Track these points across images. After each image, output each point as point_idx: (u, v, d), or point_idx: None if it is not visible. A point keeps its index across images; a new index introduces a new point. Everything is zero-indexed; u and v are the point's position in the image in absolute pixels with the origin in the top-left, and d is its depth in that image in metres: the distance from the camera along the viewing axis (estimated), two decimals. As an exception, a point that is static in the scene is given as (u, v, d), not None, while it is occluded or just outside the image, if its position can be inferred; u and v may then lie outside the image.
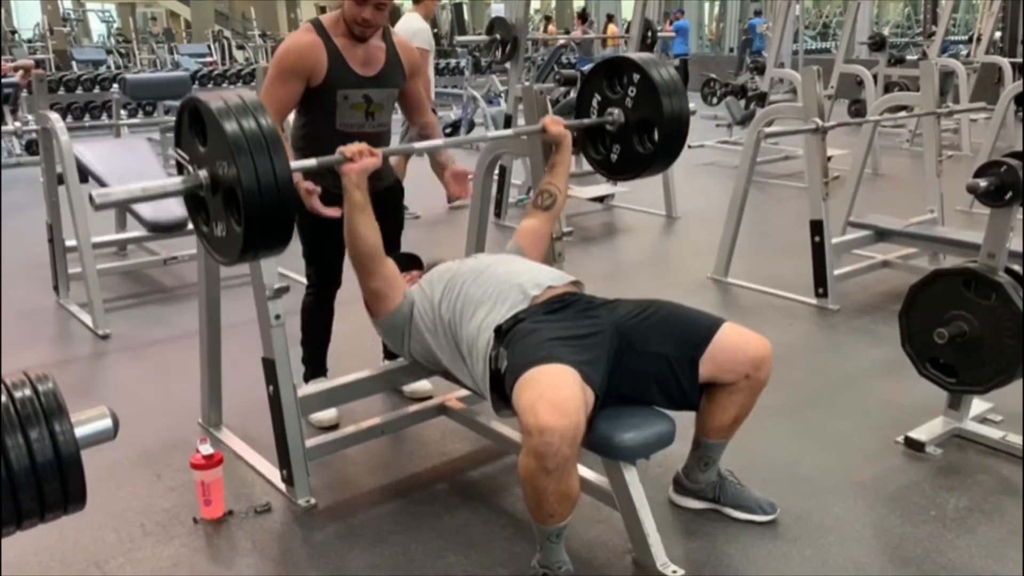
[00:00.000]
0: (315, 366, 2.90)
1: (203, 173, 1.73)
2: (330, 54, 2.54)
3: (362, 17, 2.50)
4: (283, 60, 2.54)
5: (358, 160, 2.11)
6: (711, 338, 2.03)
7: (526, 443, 1.75)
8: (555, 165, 2.52)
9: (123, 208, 4.64)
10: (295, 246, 4.52)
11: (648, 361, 2.04)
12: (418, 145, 2.67)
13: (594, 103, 2.59)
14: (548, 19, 18.60)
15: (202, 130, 1.72)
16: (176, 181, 1.76)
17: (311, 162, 2.08)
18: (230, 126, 1.64)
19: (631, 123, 2.52)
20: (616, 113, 2.54)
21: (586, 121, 2.59)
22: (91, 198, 1.63)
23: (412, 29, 5.84)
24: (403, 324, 2.29)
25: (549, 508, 1.83)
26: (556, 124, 2.48)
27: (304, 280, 2.89)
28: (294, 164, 1.85)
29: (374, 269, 2.23)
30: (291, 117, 2.77)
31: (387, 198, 2.82)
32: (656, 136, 2.49)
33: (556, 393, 1.76)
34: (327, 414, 2.79)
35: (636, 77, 2.47)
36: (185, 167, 1.78)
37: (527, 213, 2.56)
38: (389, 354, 2.89)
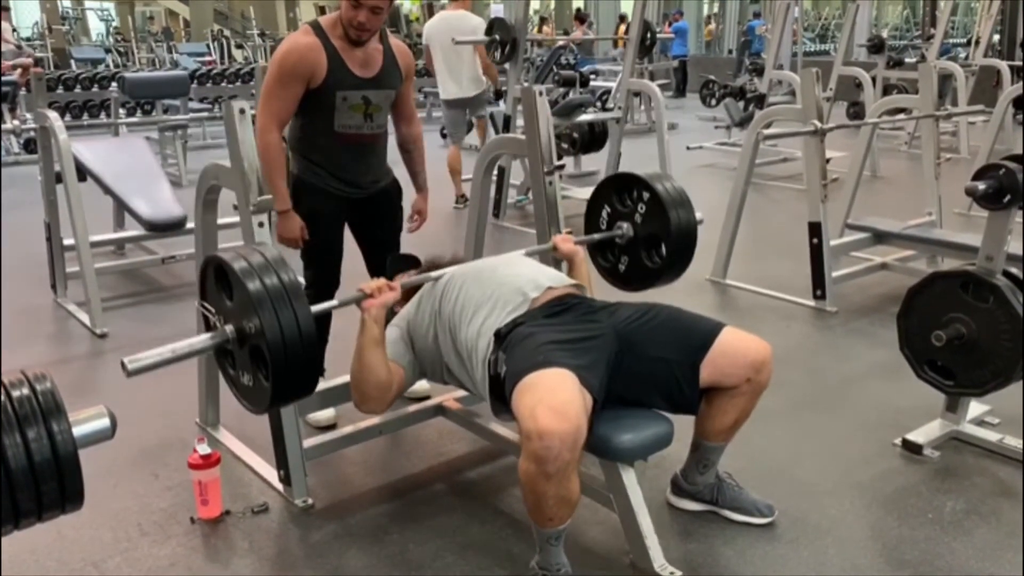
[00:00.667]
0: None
1: (229, 328, 1.76)
2: (330, 55, 2.54)
3: (358, 20, 2.51)
4: (283, 62, 2.53)
5: (378, 296, 2.04)
6: (712, 343, 2.03)
7: (526, 447, 1.75)
8: (574, 276, 2.40)
9: (121, 206, 4.64)
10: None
11: (648, 365, 2.03)
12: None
13: (604, 214, 2.59)
14: (543, 20, 18.58)
15: (227, 286, 1.75)
16: (204, 338, 1.78)
17: (333, 303, 2.06)
18: (254, 286, 1.67)
19: (640, 237, 2.53)
20: (625, 227, 2.54)
21: (596, 237, 2.58)
22: (123, 365, 1.63)
23: (472, 25, 5.87)
24: (414, 377, 2.25)
25: (549, 512, 1.83)
26: (566, 242, 2.45)
27: (301, 280, 2.89)
28: (315, 308, 1.85)
29: (381, 400, 2.13)
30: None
31: (385, 198, 2.82)
32: (663, 250, 2.49)
33: (555, 397, 1.76)
34: (324, 414, 2.78)
35: (645, 195, 2.47)
36: (212, 321, 1.81)
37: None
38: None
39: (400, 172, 2.91)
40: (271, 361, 1.66)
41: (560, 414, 1.72)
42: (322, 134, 2.63)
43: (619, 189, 2.56)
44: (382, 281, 2.07)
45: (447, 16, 6.00)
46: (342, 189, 2.70)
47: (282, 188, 2.59)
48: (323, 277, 2.76)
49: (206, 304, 1.85)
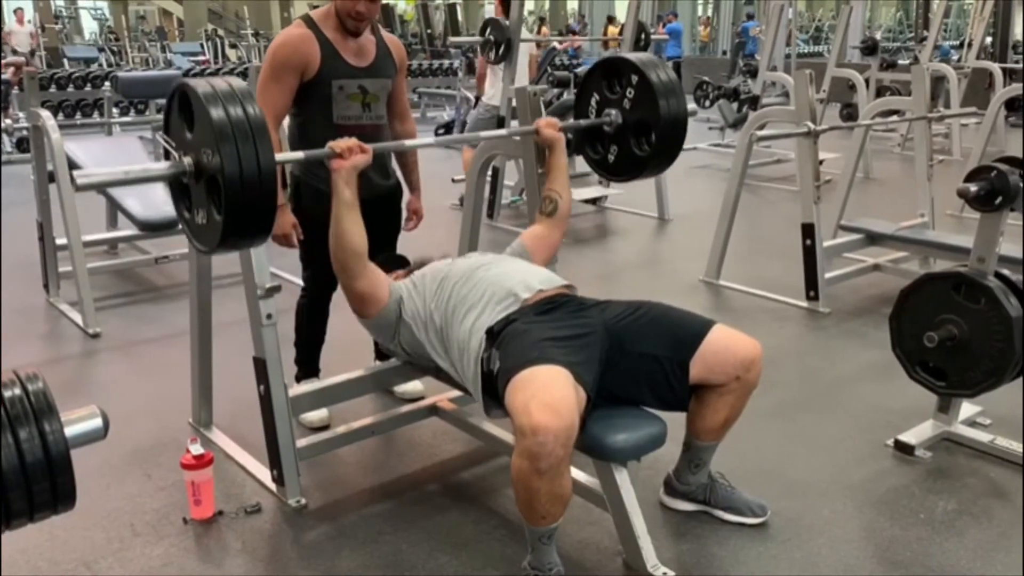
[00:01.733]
0: (307, 367, 2.89)
1: (188, 160, 1.72)
2: (322, 45, 2.55)
3: (356, 11, 2.52)
4: (276, 55, 2.54)
5: (348, 156, 2.09)
6: (702, 340, 2.03)
7: (519, 444, 1.75)
8: (551, 169, 2.50)
9: (114, 205, 4.63)
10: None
11: (639, 362, 2.04)
12: (408, 143, 2.67)
13: (592, 103, 2.57)
14: (542, 20, 18.62)
15: (189, 116, 1.71)
16: (160, 166, 1.75)
17: (299, 155, 2.08)
18: (216, 112, 1.63)
19: (629, 124, 2.51)
20: (614, 114, 2.52)
21: (583, 122, 2.58)
22: (72, 178, 1.61)
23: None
24: (392, 321, 2.28)
25: (541, 509, 1.83)
26: (550, 126, 2.47)
27: (298, 281, 2.89)
28: (280, 156, 1.83)
29: (359, 271, 2.20)
30: (285, 122, 2.76)
31: (388, 199, 2.83)
32: (653, 138, 2.48)
33: (549, 393, 1.76)
34: (318, 414, 2.78)
35: (635, 79, 2.46)
36: (171, 153, 1.77)
37: (535, 219, 2.54)
38: (380, 354, 2.88)
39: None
40: (225, 192, 1.61)
41: (554, 410, 1.73)
42: (322, 129, 2.63)
43: (608, 75, 2.54)
44: (353, 141, 2.10)
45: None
46: None
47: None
48: (320, 279, 2.76)
49: (166, 137, 1.80)
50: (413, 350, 2.32)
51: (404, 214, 2.92)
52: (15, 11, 15.05)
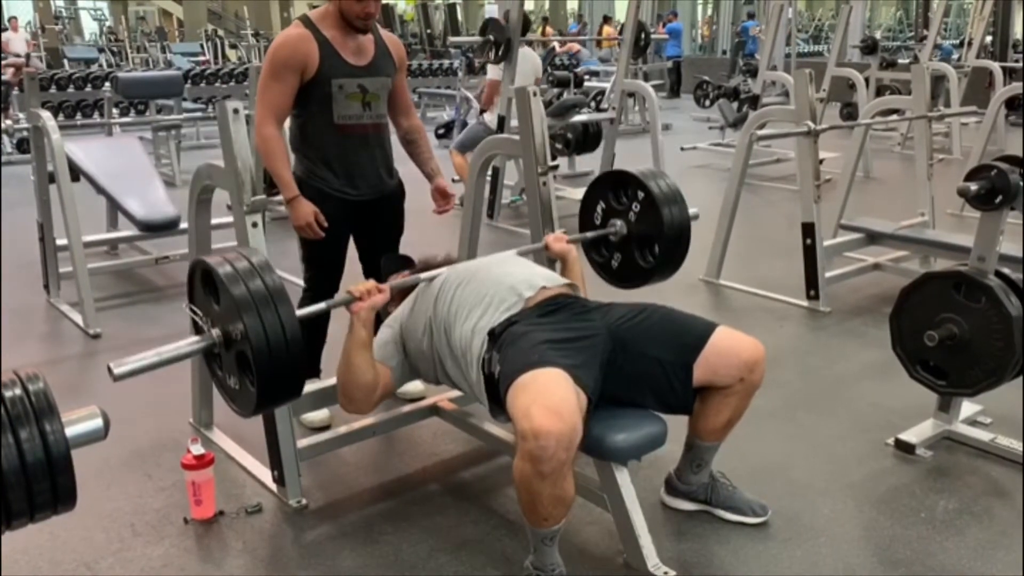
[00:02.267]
0: (308, 367, 2.88)
1: (216, 332, 1.76)
2: (321, 45, 2.56)
3: (365, 11, 2.54)
4: (275, 55, 2.55)
5: (366, 299, 2.04)
6: (705, 343, 2.03)
7: (521, 447, 1.75)
8: (567, 276, 2.40)
9: (115, 206, 4.63)
10: (287, 247, 4.51)
11: (642, 365, 2.04)
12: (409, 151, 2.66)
13: (598, 210, 2.58)
14: (545, 20, 18.62)
15: (213, 290, 1.76)
16: (192, 342, 1.79)
17: (320, 306, 2.05)
18: (237, 290, 1.67)
19: (633, 235, 2.52)
20: (619, 225, 2.54)
21: (589, 235, 2.57)
22: (109, 370, 1.63)
23: (533, 64, 6.09)
24: (403, 378, 2.27)
25: (543, 511, 1.83)
26: (559, 241, 2.45)
27: (299, 281, 2.89)
28: (301, 312, 1.86)
29: (368, 401, 2.15)
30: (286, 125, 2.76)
31: (390, 203, 2.83)
32: (657, 250, 2.48)
33: (550, 397, 1.76)
34: (319, 415, 2.78)
35: (639, 193, 2.47)
36: (200, 326, 1.82)
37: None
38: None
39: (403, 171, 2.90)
40: (255, 365, 1.67)
41: (555, 413, 1.72)
42: (323, 129, 2.64)
43: (614, 186, 2.56)
44: (371, 284, 2.07)
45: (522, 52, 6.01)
46: (347, 192, 2.69)
47: (287, 176, 2.58)
48: (322, 282, 2.76)
49: (194, 307, 1.85)
50: (426, 374, 2.29)
51: (429, 210, 2.89)
52: (10, 20, 15.07)
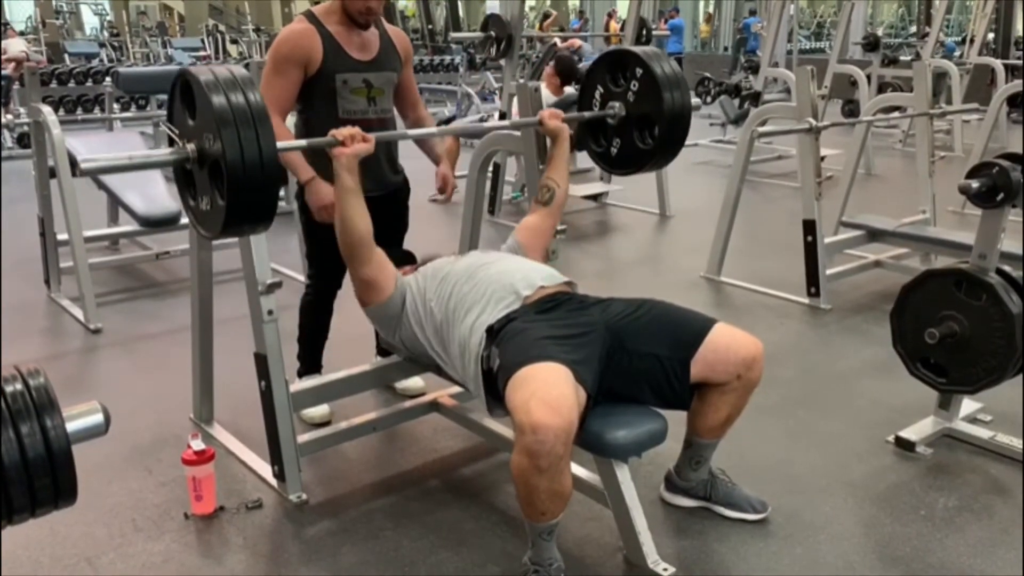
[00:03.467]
0: (310, 363, 2.89)
1: (191, 146, 1.74)
2: (325, 39, 2.55)
3: (367, 6, 2.53)
4: (278, 50, 2.55)
5: (349, 144, 2.09)
6: (703, 339, 2.03)
7: (519, 441, 1.75)
8: (553, 159, 2.50)
9: (115, 201, 4.63)
10: (289, 242, 4.51)
11: (640, 361, 2.04)
12: (412, 132, 2.66)
13: (596, 95, 2.57)
14: (547, 16, 18.57)
15: (191, 104, 1.73)
16: (164, 152, 1.77)
17: (300, 143, 2.09)
18: (217, 99, 1.65)
19: (632, 117, 2.50)
20: (617, 107, 2.52)
21: (586, 114, 2.58)
22: (75, 162, 1.63)
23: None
24: (395, 314, 2.29)
25: (541, 506, 1.83)
26: (554, 118, 2.46)
27: (299, 277, 2.89)
28: (282, 144, 1.85)
29: (366, 256, 2.21)
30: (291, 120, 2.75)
31: (397, 194, 2.82)
32: (656, 131, 2.48)
33: (549, 391, 1.76)
34: (319, 410, 2.78)
35: (639, 71, 2.45)
36: (174, 140, 1.78)
37: (530, 209, 2.54)
38: (382, 350, 2.88)
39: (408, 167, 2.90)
40: (227, 177, 1.63)
41: (554, 408, 1.73)
42: (328, 124, 2.60)
43: (612, 67, 2.54)
44: (355, 129, 2.11)
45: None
46: None
47: (300, 159, 2.57)
48: (325, 277, 2.76)
49: (170, 125, 1.82)
50: (412, 347, 2.32)
51: (431, 207, 2.89)
52: (6, 27, 15.06)
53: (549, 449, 1.71)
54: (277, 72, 2.55)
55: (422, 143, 2.90)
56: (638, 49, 2.49)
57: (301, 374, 2.86)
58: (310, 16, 2.60)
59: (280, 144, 1.78)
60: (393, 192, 2.79)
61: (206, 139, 1.69)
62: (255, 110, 1.68)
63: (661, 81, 2.41)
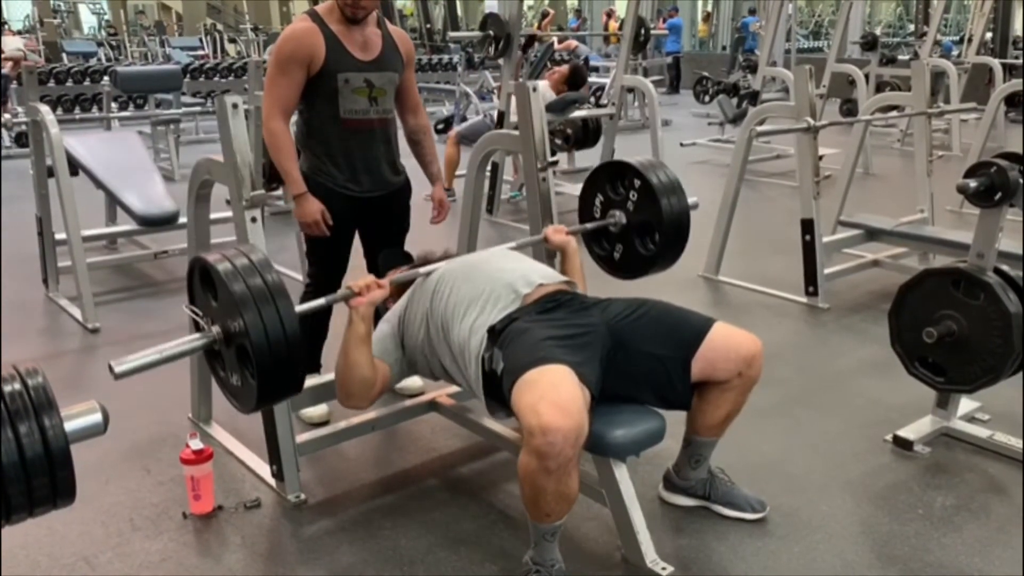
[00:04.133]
0: (309, 362, 2.88)
1: (216, 329, 1.77)
2: (327, 38, 2.55)
3: (355, 0, 2.52)
4: (281, 49, 2.55)
5: (365, 294, 2.04)
6: (703, 338, 2.03)
7: (528, 443, 1.74)
8: (567, 271, 2.42)
9: (114, 201, 4.63)
10: (286, 241, 4.51)
11: (640, 361, 2.04)
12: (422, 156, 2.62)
13: (597, 203, 2.59)
14: (544, 16, 18.57)
15: (212, 287, 1.76)
16: (192, 339, 1.79)
17: (319, 302, 2.05)
18: (237, 287, 1.68)
19: (633, 225, 2.52)
20: (618, 215, 2.53)
21: (589, 226, 2.58)
22: (110, 368, 1.64)
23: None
24: (401, 374, 2.27)
25: (547, 507, 1.83)
26: (558, 233, 2.44)
27: (297, 276, 2.88)
28: (300, 308, 1.86)
29: (366, 397, 2.15)
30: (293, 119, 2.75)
31: (397, 195, 2.82)
32: (657, 238, 2.48)
33: (558, 394, 1.76)
34: (318, 410, 2.78)
35: (636, 182, 2.47)
36: (200, 323, 1.82)
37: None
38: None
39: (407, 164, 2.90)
40: (255, 360, 1.67)
41: (563, 410, 1.73)
42: (329, 124, 2.63)
43: (612, 177, 2.56)
44: (371, 279, 2.07)
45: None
46: (352, 188, 2.68)
47: (294, 172, 2.57)
48: (325, 278, 2.75)
49: (193, 307, 1.86)
50: (423, 369, 2.29)
51: (430, 206, 2.90)
52: (3, 28, 15.09)
53: (559, 451, 1.71)
54: (281, 72, 2.54)
55: (419, 156, 2.90)
56: (635, 161, 2.49)
57: None
58: (313, 15, 2.59)
59: (299, 308, 1.80)
60: (394, 193, 2.79)
61: (230, 321, 1.73)
62: (273, 290, 1.70)
63: (658, 189, 2.43)
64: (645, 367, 2.04)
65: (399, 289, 2.31)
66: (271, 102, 2.56)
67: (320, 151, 2.67)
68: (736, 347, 2.04)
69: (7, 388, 1.08)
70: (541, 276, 2.18)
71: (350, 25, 2.58)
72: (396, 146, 2.81)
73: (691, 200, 2.51)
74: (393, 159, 2.78)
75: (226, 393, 1.88)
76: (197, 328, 1.84)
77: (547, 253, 2.53)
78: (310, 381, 2.57)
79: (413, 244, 2.80)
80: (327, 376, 2.59)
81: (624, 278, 2.63)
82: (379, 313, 2.53)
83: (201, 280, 1.82)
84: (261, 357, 1.67)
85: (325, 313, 2.83)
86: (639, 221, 2.51)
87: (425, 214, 2.97)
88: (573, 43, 12.39)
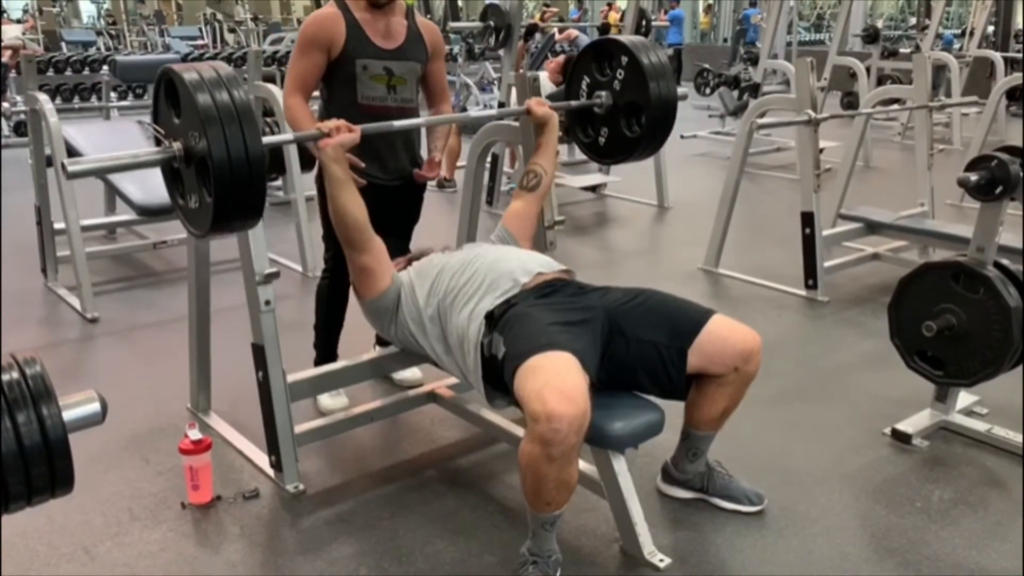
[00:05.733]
0: (326, 352, 2.88)
1: (177, 145, 1.74)
2: (349, 24, 2.57)
3: None
4: (305, 32, 2.60)
5: (334, 135, 2.12)
6: (700, 328, 2.03)
7: (532, 430, 1.74)
8: (540, 145, 2.51)
9: (112, 190, 4.62)
10: (286, 232, 4.51)
11: (637, 348, 2.04)
12: (402, 123, 2.62)
13: (583, 85, 2.58)
14: (547, 6, 18.51)
15: (176, 102, 1.73)
16: (150, 151, 1.77)
17: (288, 136, 2.11)
18: (202, 97, 1.65)
19: (619, 106, 2.51)
20: (604, 96, 2.53)
21: (573, 103, 2.58)
22: (63, 166, 1.63)
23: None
24: (390, 308, 2.28)
25: (547, 495, 1.84)
26: (541, 105, 2.47)
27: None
28: (268, 139, 1.85)
29: (363, 243, 2.23)
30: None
31: (412, 189, 2.81)
32: (643, 120, 2.48)
33: (562, 380, 1.76)
34: (337, 401, 2.79)
35: (624, 60, 2.46)
36: (160, 139, 1.78)
37: (514, 195, 2.55)
38: (381, 341, 2.88)
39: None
40: (214, 175, 1.64)
41: (568, 397, 1.73)
42: (347, 109, 2.60)
43: (599, 57, 2.55)
44: (341, 121, 2.14)
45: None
46: (370, 175, 2.66)
47: (308, 126, 2.48)
48: (341, 260, 2.73)
49: (155, 125, 1.83)
50: (404, 342, 2.32)
51: (435, 200, 2.89)
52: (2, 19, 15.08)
53: (563, 438, 1.71)
54: (302, 53, 2.59)
55: (431, 136, 2.88)
56: (623, 38, 2.49)
57: (318, 363, 2.84)
58: (339, 1, 2.62)
59: (266, 140, 1.78)
60: (411, 182, 2.78)
61: (192, 137, 1.69)
62: (240, 107, 1.67)
63: (647, 70, 2.42)
64: (641, 354, 2.04)
65: (407, 261, 2.41)
66: (291, 81, 2.61)
67: None
68: (734, 342, 2.04)
69: (5, 377, 1.07)
70: (540, 265, 2.19)
71: (374, 13, 2.60)
72: (416, 137, 2.80)
73: (680, 90, 2.51)
74: (412, 150, 2.78)
75: (183, 218, 1.86)
76: (157, 144, 1.80)
77: (524, 127, 2.51)
78: (307, 372, 2.58)
79: (416, 232, 2.80)
80: (325, 367, 2.59)
81: (608, 162, 2.64)
82: (382, 341, 2.56)
83: (167, 93, 1.77)
84: (220, 171, 1.63)
85: (342, 301, 2.83)
86: (626, 102, 2.50)
87: (425, 205, 2.96)
88: (574, 33, 12.36)
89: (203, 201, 1.71)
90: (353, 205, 2.18)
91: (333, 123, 2.13)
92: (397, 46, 2.65)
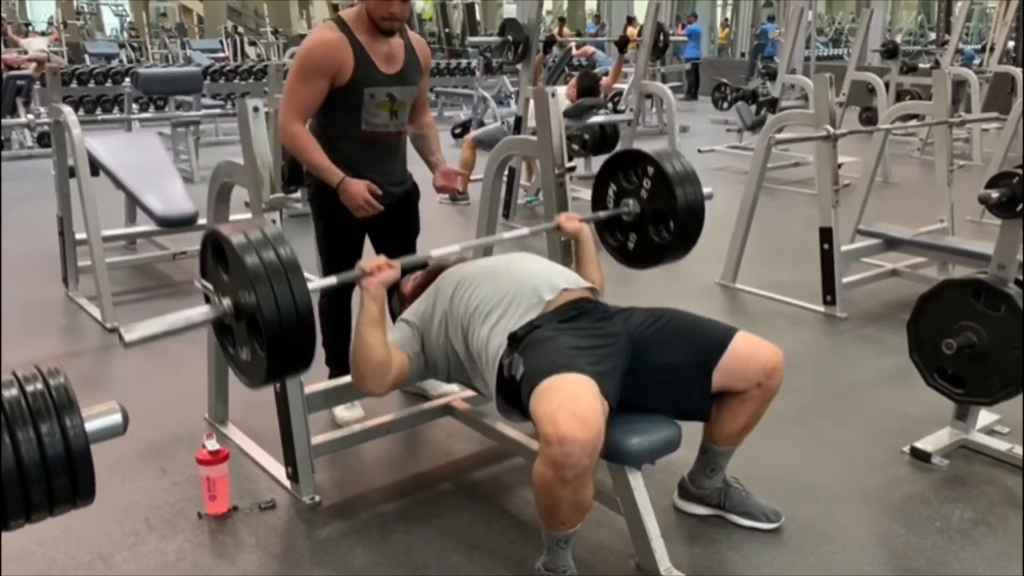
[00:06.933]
0: (339, 365, 2.89)
1: (227, 301, 1.77)
2: (356, 51, 2.52)
3: (389, 12, 2.49)
4: (308, 57, 2.51)
5: (376, 274, 2.04)
6: (725, 348, 2.02)
7: (544, 452, 1.74)
8: (580, 261, 2.44)
9: (133, 201, 4.66)
10: (305, 244, 4.54)
11: (661, 373, 2.03)
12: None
13: (610, 192, 2.58)
14: (563, 21, 18.57)
15: (224, 261, 1.76)
16: (202, 311, 1.80)
17: (331, 280, 2.08)
18: (250, 259, 1.68)
19: (647, 214, 2.51)
20: (632, 204, 2.53)
21: (602, 214, 2.57)
22: (120, 336, 1.65)
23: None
24: (418, 372, 2.23)
25: (561, 516, 1.83)
26: (571, 220, 2.43)
27: (315, 279, 2.89)
28: (313, 284, 1.87)
29: (381, 381, 2.11)
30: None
31: (406, 204, 2.82)
32: (672, 226, 2.48)
33: (576, 403, 1.75)
34: (353, 413, 2.80)
35: (650, 170, 2.46)
36: (210, 297, 1.82)
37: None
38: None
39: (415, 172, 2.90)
40: (265, 331, 1.66)
41: (582, 420, 1.71)
42: (349, 136, 2.60)
43: (624, 166, 2.55)
44: (382, 259, 2.07)
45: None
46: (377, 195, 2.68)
47: (327, 163, 2.54)
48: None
49: (204, 281, 1.85)
50: (440, 371, 2.27)
51: (442, 213, 2.90)
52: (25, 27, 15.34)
53: (575, 461, 1.70)
54: (304, 80, 2.51)
55: (423, 149, 2.87)
56: (649, 151, 2.49)
57: (332, 376, 2.85)
58: (341, 24, 2.55)
59: (311, 284, 1.79)
60: (404, 199, 2.79)
61: (241, 295, 1.72)
62: (287, 264, 1.70)
63: (673, 179, 2.42)
64: (666, 378, 2.03)
65: (416, 291, 2.32)
66: (290, 108, 2.53)
67: (337, 160, 2.64)
68: (758, 358, 2.03)
69: (29, 388, 1.09)
70: (566, 281, 2.17)
71: (375, 36, 2.55)
72: (405, 157, 2.81)
73: (706, 191, 2.50)
74: (404, 168, 2.80)
75: (235, 369, 1.87)
76: (207, 303, 1.83)
77: (561, 242, 2.50)
78: (324, 384, 2.59)
79: (428, 246, 2.79)
80: (341, 379, 2.60)
81: (638, 268, 2.63)
82: (394, 314, 2.54)
83: (214, 253, 1.81)
84: (271, 328, 1.65)
85: (346, 316, 2.84)
86: (653, 210, 2.49)
87: (440, 219, 2.97)
88: (590, 49, 12.39)
89: (255, 354, 1.75)
90: (381, 348, 2.06)
91: (375, 262, 2.05)
92: (398, 70, 2.61)
